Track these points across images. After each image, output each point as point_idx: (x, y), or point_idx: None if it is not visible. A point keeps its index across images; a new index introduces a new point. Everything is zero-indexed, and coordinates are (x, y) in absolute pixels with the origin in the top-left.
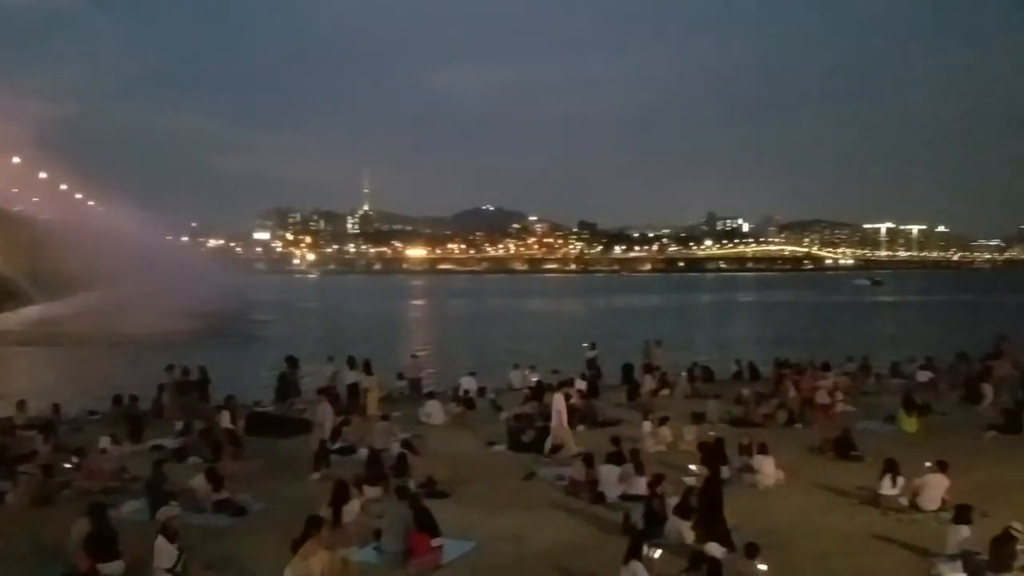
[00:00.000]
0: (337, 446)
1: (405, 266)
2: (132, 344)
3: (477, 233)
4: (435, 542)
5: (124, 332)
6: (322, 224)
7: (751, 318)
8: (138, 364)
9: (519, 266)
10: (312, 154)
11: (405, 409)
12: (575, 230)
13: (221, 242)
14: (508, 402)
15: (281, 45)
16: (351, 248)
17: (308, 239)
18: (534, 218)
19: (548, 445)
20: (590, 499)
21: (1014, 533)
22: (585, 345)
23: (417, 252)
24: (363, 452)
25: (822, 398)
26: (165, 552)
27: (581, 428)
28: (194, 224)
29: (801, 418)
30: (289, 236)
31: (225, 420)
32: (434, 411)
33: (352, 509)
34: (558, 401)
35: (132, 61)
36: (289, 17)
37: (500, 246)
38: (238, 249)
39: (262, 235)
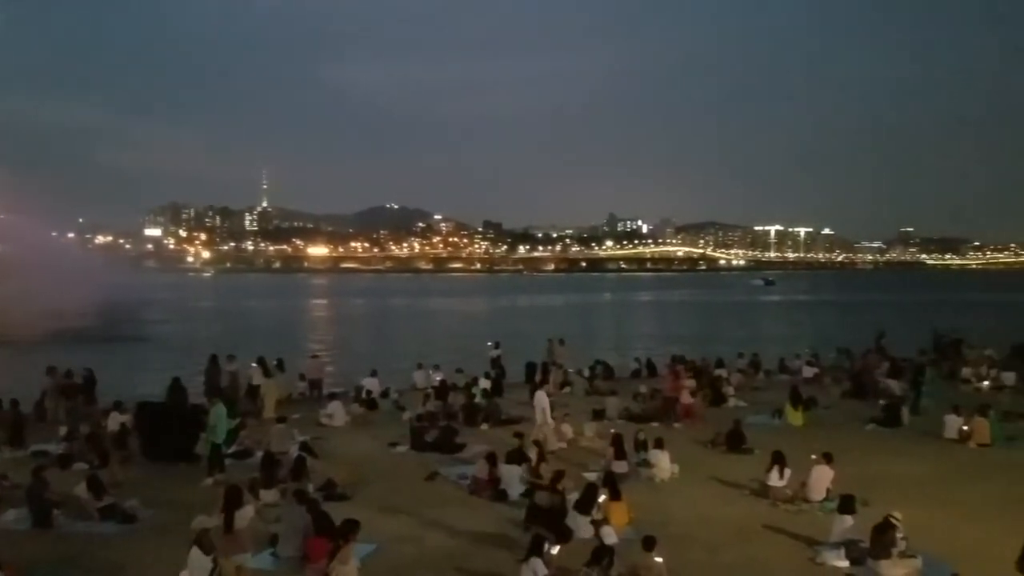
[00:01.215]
0: (232, 450)
1: (306, 265)
2: (10, 346)
3: (381, 232)
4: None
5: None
6: (218, 221)
7: (650, 317)
8: (17, 366)
9: (424, 265)
10: (208, 150)
11: (305, 411)
12: (480, 230)
13: (110, 239)
14: (411, 402)
15: (176, 39)
16: (249, 246)
17: (203, 236)
18: (439, 217)
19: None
20: (492, 497)
21: (893, 521)
22: (489, 344)
23: (318, 250)
24: (259, 455)
25: (685, 398)
26: (199, 564)
27: (485, 427)
28: (81, 220)
29: (666, 416)
30: (182, 233)
31: (114, 423)
32: (336, 412)
33: (245, 514)
34: (541, 398)
35: (16, 53)
36: (184, 10)
37: (404, 245)
38: (127, 246)
39: (153, 231)
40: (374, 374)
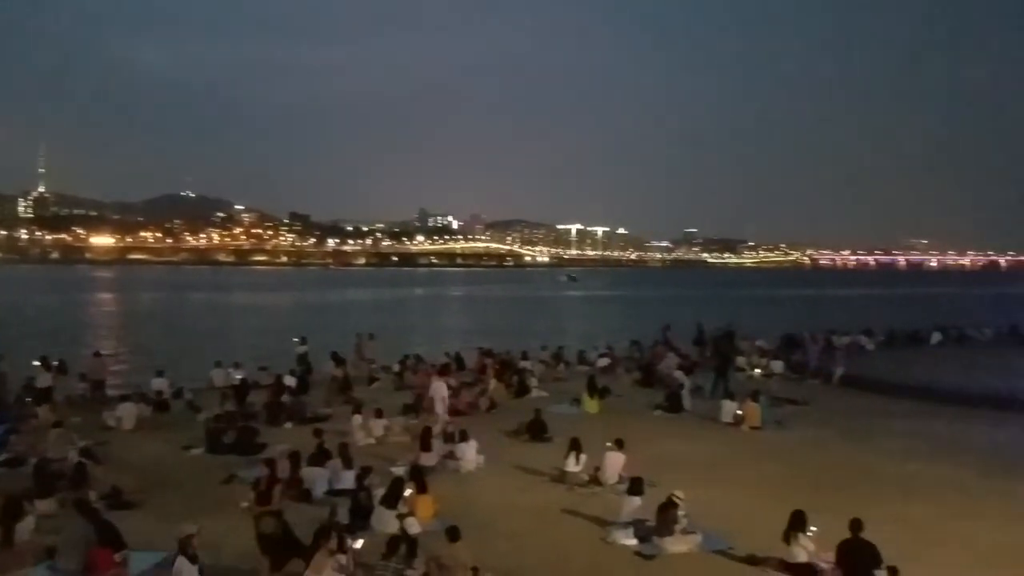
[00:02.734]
0: (3, 457)
1: (88, 255)
2: None
3: (175, 221)
4: (118, 556)
5: None
6: None
7: (461, 311)
8: None
9: (224, 258)
10: None
11: (87, 414)
12: (286, 221)
13: None
14: (208, 402)
15: None
16: (23, 234)
17: None
18: (241, 207)
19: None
20: (295, 497)
21: (676, 500)
22: (295, 340)
23: (103, 240)
24: (33, 463)
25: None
26: (187, 574)
27: (289, 425)
28: None
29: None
30: None
31: None
32: (124, 415)
33: (27, 527)
34: (439, 388)
35: None
36: None
37: (202, 236)
38: None
39: None
40: (160, 374)
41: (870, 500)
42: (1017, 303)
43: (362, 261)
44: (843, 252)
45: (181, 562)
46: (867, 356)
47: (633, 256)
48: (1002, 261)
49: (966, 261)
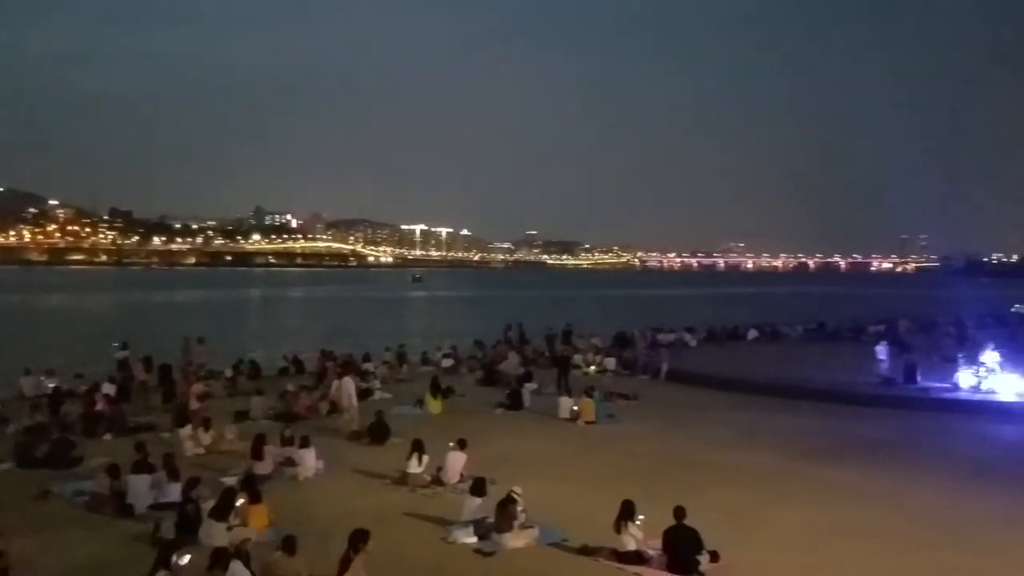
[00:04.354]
0: None
1: None
2: None
3: None
4: None
5: None
6: None
7: (300, 313)
8: None
9: (37, 257)
10: None
11: None
12: (107, 218)
13: None
14: (17, 413)
15: None
16: None
17: None
18: (55, 202)
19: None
20: (116, 513)
21: (514, 496)
22: (115, 345)
23: None
24: None
25: (193, 403)
26: None
27: (108, 437)
28: None
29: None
30: None
31: None
32: None
33: None
34: (348, 384)
35: None
36: None
37: (12, 233)
38: None
39: None
40: None
41: (694, 487)
42: (823, 301)
43: (192, 260)
44: (669, 255)
45: (237, 566)
46: (690, 352)
47: (476, 257)
48: (810, 263)
49: (779, 263)
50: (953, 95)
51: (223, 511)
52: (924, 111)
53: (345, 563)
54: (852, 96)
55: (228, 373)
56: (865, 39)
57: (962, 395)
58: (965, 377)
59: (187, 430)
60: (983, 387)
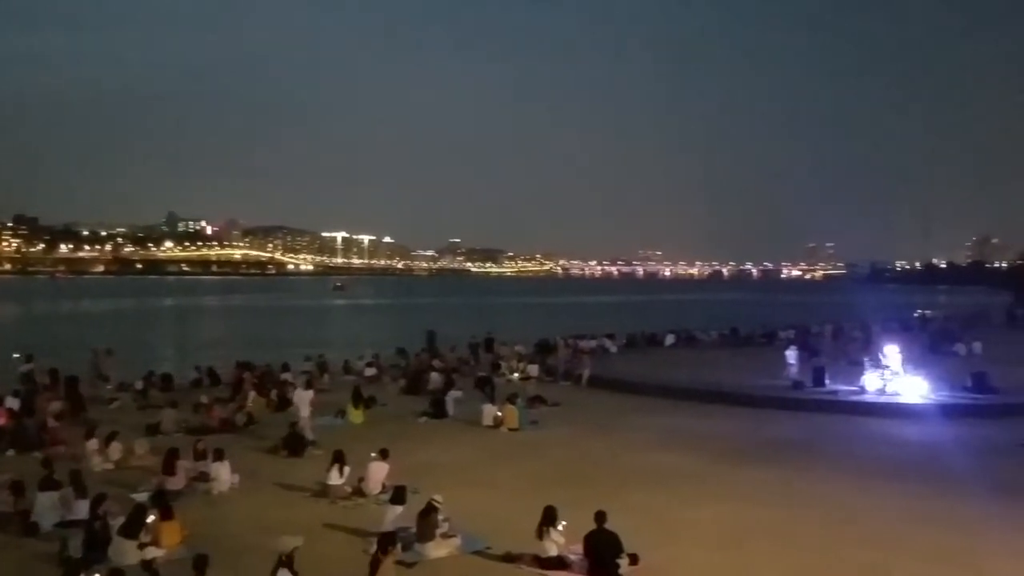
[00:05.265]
0: None
1: None
2: None
3: None
4: None
5: None
6: None
7: (215, 322)
8: None
9: None
10: None
11: None
12: (10, 225)
13: None
14: None
15: None
16: None
17: None
18: None
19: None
20: (21, 532)
21: (435, 504)
22: (17, 356)
23: None
24: None
25: (50, 422)
26: None
27: (11, 453)
28: None
29: (40, 444)
30: None
31: None
32: None
33: None
34: (300, 395)
35: None
36: None
37: None
38: None
39: None
40: None
41: (616, 491)
42: (737, 307)
43: (100, 269)
44: (590, 263)
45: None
46: (610, 358)
47: (400, 265)
48: (724, 271)
49: (695, 271)
50: (860, 113)
51: (133, 528)
52: (832, 128)
53: (375, 565)
54: (763, 110)
55: (139, 385)
56: (772, 48)
57: (868, 397)
58: (871, 380)
59: (93, 443)
60: (888, 389)
